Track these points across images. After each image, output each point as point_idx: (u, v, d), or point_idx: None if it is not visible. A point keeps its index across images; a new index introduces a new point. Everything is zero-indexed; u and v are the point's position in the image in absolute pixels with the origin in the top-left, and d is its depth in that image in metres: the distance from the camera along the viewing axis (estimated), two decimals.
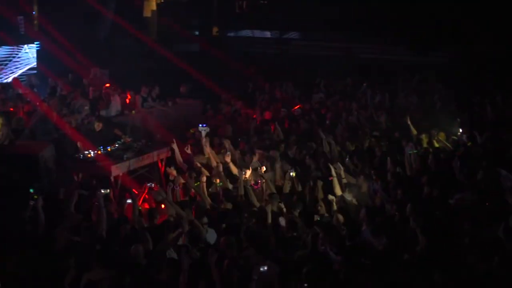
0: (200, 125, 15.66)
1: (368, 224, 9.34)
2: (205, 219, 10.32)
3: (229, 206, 11.37)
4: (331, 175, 11.81)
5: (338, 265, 7.77)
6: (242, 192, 11.75)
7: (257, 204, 11.31)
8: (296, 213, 10.56)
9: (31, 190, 10.70)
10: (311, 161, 13.50)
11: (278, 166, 13.06)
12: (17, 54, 22.93)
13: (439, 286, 7.26)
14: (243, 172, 12.29)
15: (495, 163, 11.67)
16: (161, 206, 11.69)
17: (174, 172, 12.92)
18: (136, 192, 12.67)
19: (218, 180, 12.66)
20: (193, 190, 12.28)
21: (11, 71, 22.56)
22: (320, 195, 11.51)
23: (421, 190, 10.93)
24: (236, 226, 9.84)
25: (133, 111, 18.93)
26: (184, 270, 7.88)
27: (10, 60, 22.72)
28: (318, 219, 10.14)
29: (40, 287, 8.31)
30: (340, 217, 10.28)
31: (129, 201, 11.41)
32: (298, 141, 15.20)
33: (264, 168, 12.84)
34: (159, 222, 10.66)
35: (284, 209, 10.60)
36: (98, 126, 15.81)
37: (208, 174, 12.92)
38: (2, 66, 22.33)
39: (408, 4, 23.46)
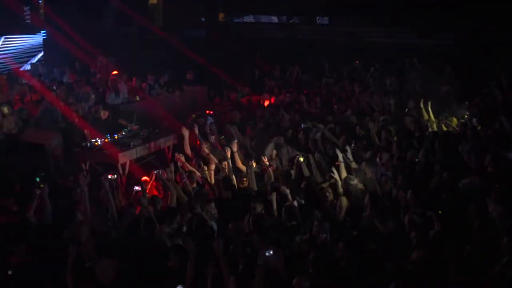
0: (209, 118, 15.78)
1: (372, 209, 9.29)
2: (213, 205, 10.34)
3: (228, 194, 11.36)
4: (338, 160, 11.71)
5: (340, 252, 7.71)
6: (253, 181, 11.72)
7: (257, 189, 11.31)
8: (301, 199, 10.53)
9: (37, 179, 10.70)
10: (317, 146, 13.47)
11: (284, 151, 13.02)
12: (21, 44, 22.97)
13: (447, 269, 7.23)
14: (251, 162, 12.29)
15: (503, 147, 11.63)
16: (168, 193, 11.68)
17: (183, 159, 12.89)
18: (145, 180, 12.66)
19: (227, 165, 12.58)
20: (200, 178, 12.27)
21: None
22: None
23: (429, 175, 10.87)
24: (239, 212, 9.84)
25: (137, 97, 18.92)
26: (191, 258, 7.88)
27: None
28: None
29: (48, 275, 8.30)
30: (344, 200, 10.25)
31: (136, 188, 11.44)
32: (305, 127, 15.12)
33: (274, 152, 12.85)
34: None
35: (289, 196, 10.53)
36: (104, 114, 15.86)
37: (216, 162, 12.91)
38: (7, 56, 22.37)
39: None
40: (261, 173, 12.32)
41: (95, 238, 9.01)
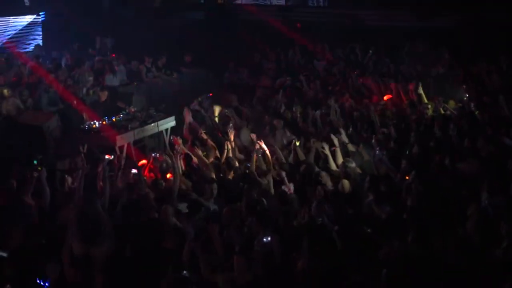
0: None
1: (372, 193, 9.30)
2: (215, 185, 10.36)
3: (230, 175, 11.39)
4: (334, 145, 11.68)
5: (335, 235, 7.74)
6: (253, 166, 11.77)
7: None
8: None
9: (35, 162, 10.71)
10: (314, 130, 13.52)
11: (280, 134, 13.02)
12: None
13: (437, 252, 7.25)
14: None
15: (499, 131, 11.67)
16: (166, 176, 11.71)
17: (180, 141, 12.91)
18: (142, 162, 12.68)
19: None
20: (195, 160, 12.28)
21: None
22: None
23: (424, 158, 10.90)
24: (237, 195, 9.88)
25: (135, 83, 18.93)
26: (188, 240, 7.94)
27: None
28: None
29: (45, 259, 8.33)
30: (346, 183, 10.27)
31: (134, 171, 11.45)
32: (303, 110, 15.15)
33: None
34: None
35: (286, 179, 10.56)
36: (103, 95, 15.86)
37: (213, 145, 12.94)
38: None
39: None
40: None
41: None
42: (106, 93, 16.03)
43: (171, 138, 13.11)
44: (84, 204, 8.96)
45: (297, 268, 7.22)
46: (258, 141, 12.11)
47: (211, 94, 17.55)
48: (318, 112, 14.08)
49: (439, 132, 12.28)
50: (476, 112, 13.60)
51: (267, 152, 11.96)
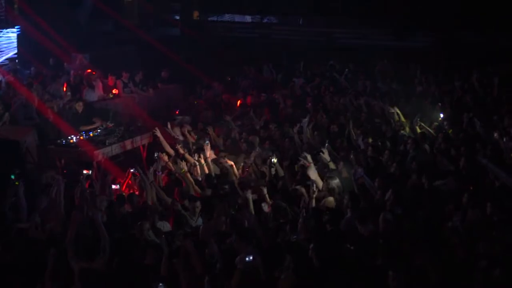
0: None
1: (352, 210, 9.35)
2: (198, 204, 10.38)
3: (208, 192, 11.42)
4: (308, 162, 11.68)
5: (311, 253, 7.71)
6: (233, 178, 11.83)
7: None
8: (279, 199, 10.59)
9: (12, 176, 10.67)
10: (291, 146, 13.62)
11: (257, 152, 13.03)
12: None
13: (421, 270, 7.30)
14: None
15: (475, 150, 11.87)
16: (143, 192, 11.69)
17: (166, 158, 12.94)
18: (119, 179, 12.68)
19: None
20: (177, 176, 12.32)
21: None
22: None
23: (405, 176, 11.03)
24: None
25: (111, 95, 18.90)
26: (165, 257, 7.96)
27: None
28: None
29: (22, 274, 8.29)
30: (331, 200, 10.31)
31: (113, 186, 11.46)
32: (279, 127, 15.26)
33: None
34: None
35: (267, 195, 10.60)
36: (79, 106, 15.85)
37: (192, 160, 12.97)
38: None
39: None
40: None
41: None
42: (81, 103, 16.05)
43: (156, 154, 13.10)
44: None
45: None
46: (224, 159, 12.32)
47: (177, 112, 17.66)
48: (296, 129, 14.15)
49: (414, 150, 12.43)
50: (450, 131, 13.81)
51: (234, 168, 12.08)
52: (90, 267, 8.03)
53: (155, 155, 12.92)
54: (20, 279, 8.23)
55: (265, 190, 10.51)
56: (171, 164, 12.69)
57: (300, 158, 11.21)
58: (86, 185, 10.95)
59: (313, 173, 11.09)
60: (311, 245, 7.81)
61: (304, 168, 11.05)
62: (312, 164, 11.32)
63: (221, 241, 8.50)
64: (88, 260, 8.20)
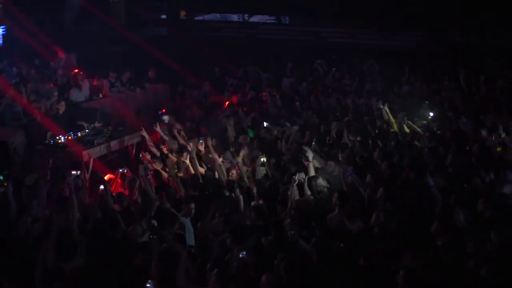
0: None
1: (340, 208, 9.37)
2: (192, 205, 10.33)
3: (196, 193, 11.40)
4: (307, 160, 11.66)
5: (312, 255, 7.72)
6: (222, 177, 11.84)
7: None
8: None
9: (1, 177, 10.62)
10: (282, 145, 13.60)
11: (247, 151, 13.01)
12: None
13: (409, 268, 7.31)
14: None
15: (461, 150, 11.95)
16: (134, 191, 11.66)
17: (148, 157, 12.95)
18: (109, 178, 12.62)
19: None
20: (165, 176, 12.31)
21: None
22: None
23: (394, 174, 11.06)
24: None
25: (100, 95, 18.84)
26: (154, 257, 7.93)
27: None
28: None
29: (11, 275, 8.24)
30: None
31: (102, 187, 11.38)
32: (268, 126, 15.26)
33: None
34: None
35: (256, 195, 10.60)
36: (61, 106, 15.76)
37: (175, 160, 12.98)
38: None
39: None
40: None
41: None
42: (63, 103, 15.96)
43: (140, 154, 13.08)
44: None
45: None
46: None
47: (164, 111, 17.64)
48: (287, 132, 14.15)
49: (403, 148, 12.49)
50: (438, 132, 13.85)
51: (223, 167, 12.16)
52: (72, 268, 7.99)
53: (140, 156, 12.95)
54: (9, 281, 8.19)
55: (254, 189, 10.54)
56: (155, 165, 12.67)
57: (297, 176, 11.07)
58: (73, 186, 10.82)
59: (312, 172, 11.15)
60: (313, 240, 7.86)
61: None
62: (311, 164, 11.35)
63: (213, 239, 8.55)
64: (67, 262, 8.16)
